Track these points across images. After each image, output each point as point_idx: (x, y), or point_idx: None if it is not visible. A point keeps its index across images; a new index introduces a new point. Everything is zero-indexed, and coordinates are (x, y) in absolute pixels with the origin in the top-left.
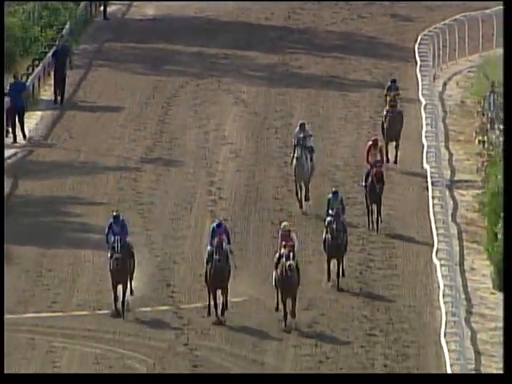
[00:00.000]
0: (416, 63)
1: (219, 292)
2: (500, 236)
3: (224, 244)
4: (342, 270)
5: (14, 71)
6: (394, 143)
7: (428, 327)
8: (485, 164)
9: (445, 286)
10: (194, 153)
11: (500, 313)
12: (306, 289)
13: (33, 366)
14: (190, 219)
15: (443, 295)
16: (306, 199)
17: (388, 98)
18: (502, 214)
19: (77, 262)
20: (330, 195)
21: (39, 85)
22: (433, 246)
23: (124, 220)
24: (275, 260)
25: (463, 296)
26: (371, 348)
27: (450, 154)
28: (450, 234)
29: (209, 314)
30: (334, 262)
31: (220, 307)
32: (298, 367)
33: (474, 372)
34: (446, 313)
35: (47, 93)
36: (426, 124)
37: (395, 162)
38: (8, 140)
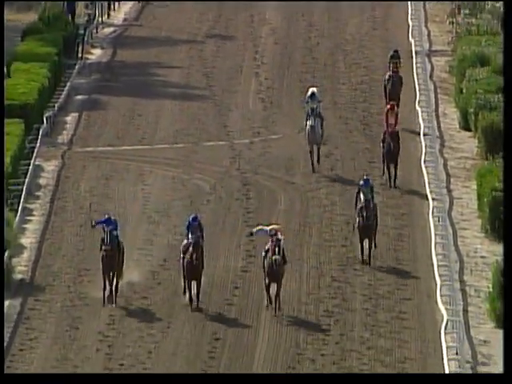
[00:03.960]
0: None
1: (194, 283)
2: (464, 90)
3: (200, 241)
4: (374, 244)
5: None
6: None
7: (412, 156)
8: (453, 38)
9: (424, 126)
10: (244, 30)
11: (465, 147)
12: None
13: (128, 185)
14: (241, 78)
15: (423, 134)
16: (318, 162)
17: (391, 65)
18: (467, 73)
19: (159, 109)
20: (362, 182)
21: None
22: (415, 97)
23: (116, 220)
24: (263, 252)
25: (437, 134)
26: (371, 172)
27: (428, 31)
28: (428, 89)
29: (184, 293)
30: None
31: (195, 296)
32: (317, 186)
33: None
34: (425, 146)
35: None
36: (411, 9)
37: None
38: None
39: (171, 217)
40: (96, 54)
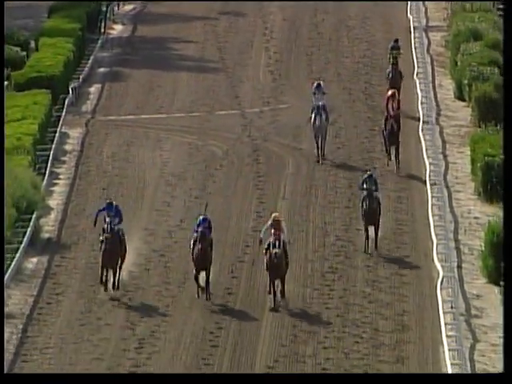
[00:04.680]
0: None
1: (203, 273)
2: (459, 62)
3: (207, 232)
4: (377, 233)
5: None
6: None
7: (410, 127)
8: (449, 15)
9: (422, 96)
10: (254, 9)
11: (459, 115)
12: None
13: (147, 151)
14: (252, 52)
15: (421, 103)
16: (323, 154)
17: (391, 57)
18: (461, 47)
19: (176, 81)
20: (366, 176)
21: None
22: (414, 70)
23: (118, 206)
24: (265, 247)
25: (434, 103)
26: (372, 139)
27: (425, 8)
28: (425, 62)
29: (195, 280)
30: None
31: (205, 287)
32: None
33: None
34: (423, 115)
35: None
36: None
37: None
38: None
39: (187, 180)
40: (117, 30)
